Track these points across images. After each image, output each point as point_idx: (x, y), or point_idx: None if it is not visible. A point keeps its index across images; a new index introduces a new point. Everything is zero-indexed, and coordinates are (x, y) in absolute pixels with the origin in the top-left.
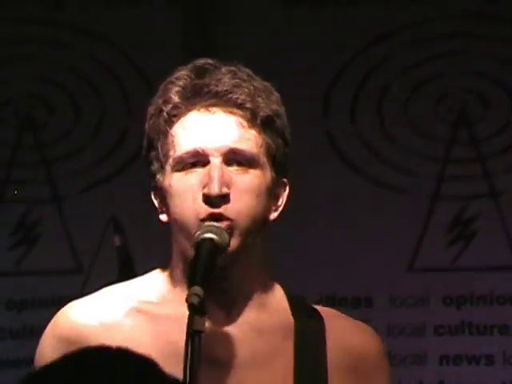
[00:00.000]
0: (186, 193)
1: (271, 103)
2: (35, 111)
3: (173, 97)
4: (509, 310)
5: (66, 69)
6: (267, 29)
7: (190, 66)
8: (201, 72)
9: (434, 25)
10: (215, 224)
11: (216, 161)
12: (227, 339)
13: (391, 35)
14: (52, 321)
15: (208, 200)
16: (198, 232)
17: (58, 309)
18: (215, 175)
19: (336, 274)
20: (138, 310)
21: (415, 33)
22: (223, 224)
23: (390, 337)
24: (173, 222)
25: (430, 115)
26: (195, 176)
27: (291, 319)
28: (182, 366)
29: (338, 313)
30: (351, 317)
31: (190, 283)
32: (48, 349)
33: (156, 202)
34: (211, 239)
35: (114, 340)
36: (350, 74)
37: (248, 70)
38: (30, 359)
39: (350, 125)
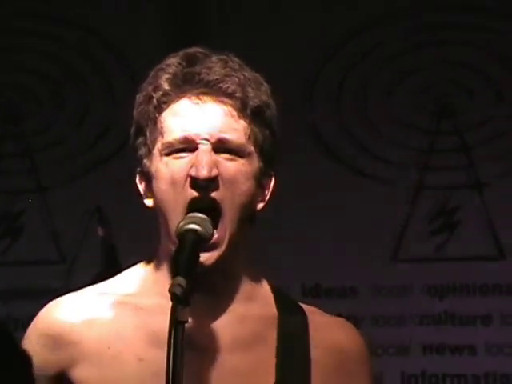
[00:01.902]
0: (173, 177)
1: (261, 94)
2: (20, 102)
3: (163, 84)
4: (491, 300)
5: (50, 59)
6: (252, 16)
7: (180, 53)
8: (192, 60)
9: (421, 15)
10: (199, 215)
11: (205, 147)
12: (211, 327)
13: (377, 25)
14: (36, 317)
15: (196, 183)
16: (182, 222)
17: (43, 299)
18: (204, 159)
19: (321, 264)
20: (121, 303)
21: (401, 23)
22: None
23: (375, 327)
24: (159, 206)
25: (414, 106)
26: (183, 161)
27: (275, 311)
28: (165, 355)
29: (321, 311)
30: (336, 307)
31: (174, 274)
32: (31, 345)
33: (141, 187)
34: (195, 230)
35: (96, 334)
36: (335, 65)
37: (238, 60)
38: None
39: (335, 116)
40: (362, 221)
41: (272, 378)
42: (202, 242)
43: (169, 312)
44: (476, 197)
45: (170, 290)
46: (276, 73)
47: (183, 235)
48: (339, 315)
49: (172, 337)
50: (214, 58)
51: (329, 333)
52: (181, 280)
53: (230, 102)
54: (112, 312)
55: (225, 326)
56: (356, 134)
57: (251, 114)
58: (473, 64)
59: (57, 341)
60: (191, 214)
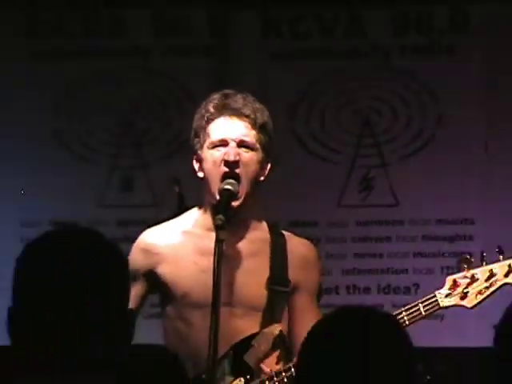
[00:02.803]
0: (214, 160)
1: (264, 116)
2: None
3: (210, 109)
4: (391, 228)
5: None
6: (257, 69)
7: (220, 92)
8: (226, 96)
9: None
10: (231, 180)
11: (232, 144)
12: (234, 245)
13: (321, 81)
14: (137, 239)
15: (227, 164)
16: (221, 184)
17: (140, 228)
18: (232, 151)
19: (297, 206)
20: (184, 231)
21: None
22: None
23: (328, 243)
24: (206, 177)
25: (346, 121)
26: (220, 152)
27: (269, 236)
28: (209, 261)
29: (294, 235)
30: (305, 233)
31: (217, 213)
32: (133, 256)
33: (196, 167)
34: (229, 189)
35: (170, 249)
36: (305, 100)
37: (253, 97)
38: None
39: (305, 125)
40: (321, 185)
41: (267, 274)
42: (233, 195)
43: (212, 237)
44: (383, 172)
45: (214, 222)
46: (270, 104)
47: (222, 191)
48: (306, 238)
49: (217, 248)
50: (238, 96)
51: (298, 247)
52: (221, 216)
53: (248, 120)
54: (179, 237)
55: (242, 244)
56: (317, 136)
57: (258, 127)
58: (385, 90)
59: (148, 252)
60: (227, 180)
